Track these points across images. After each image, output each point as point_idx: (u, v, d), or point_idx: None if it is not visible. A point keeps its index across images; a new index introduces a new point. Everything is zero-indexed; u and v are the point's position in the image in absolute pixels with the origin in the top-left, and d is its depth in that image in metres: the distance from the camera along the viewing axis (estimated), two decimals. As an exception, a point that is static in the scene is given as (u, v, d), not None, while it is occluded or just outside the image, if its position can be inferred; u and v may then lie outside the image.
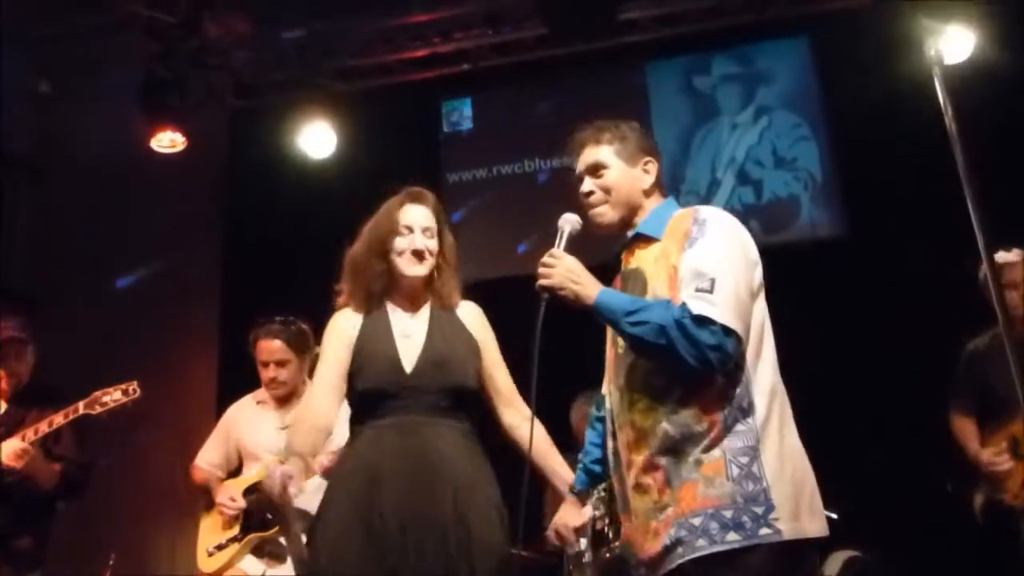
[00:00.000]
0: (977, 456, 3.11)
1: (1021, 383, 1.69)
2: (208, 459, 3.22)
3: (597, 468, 2.07)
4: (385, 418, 2.05)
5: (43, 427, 2.83)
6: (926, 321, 4.06)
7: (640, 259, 1.87)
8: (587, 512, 2.07)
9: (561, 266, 1.79)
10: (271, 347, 3.08)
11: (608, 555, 3.00)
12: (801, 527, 1.66)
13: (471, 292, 2.34)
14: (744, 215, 5.06)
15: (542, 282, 1.79)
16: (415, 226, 2.14)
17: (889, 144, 4.53)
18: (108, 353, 5.02)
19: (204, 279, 5.71)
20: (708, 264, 1.71)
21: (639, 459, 1.76)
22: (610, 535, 3.05)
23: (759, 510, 1.63)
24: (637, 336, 1.70)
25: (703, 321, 1.65)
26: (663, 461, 1.72)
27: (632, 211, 1.91)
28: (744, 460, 1.66)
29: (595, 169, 1.92)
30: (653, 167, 1.92)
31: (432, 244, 2.16)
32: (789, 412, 1.78)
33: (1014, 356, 1.72)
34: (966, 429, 3.21)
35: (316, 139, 5.16)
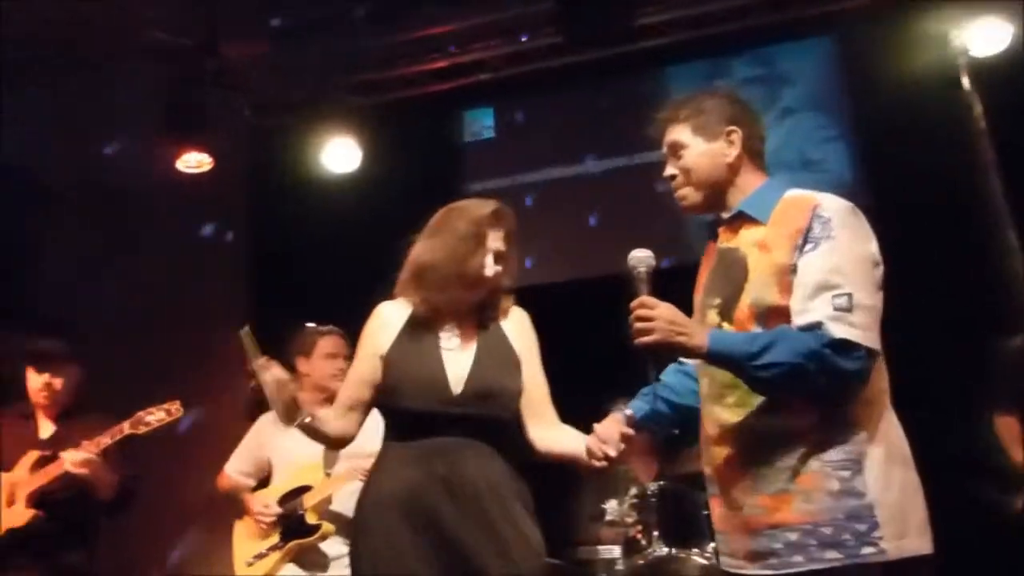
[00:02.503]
0: None
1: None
2: (238, 468, 3.22)
3: (662, 407, 1.89)
4: (426, 438, 1.98)
5: (102, 440, 2.84)
6: (961, 321, 3.97)
7: (741, 239, 1.73)
8: (629, 430, 1.82)
9: (660, 318, 1.59)
10: (339, 342, 3.17)
11: (641, 562, 2.97)
12: (907, 545, 1.56)
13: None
14: (770, 218, 5.01)
15: (643, 340, 1.59)
16: (494, 251, 2.06)
17: (920, 140, 4.44)
18: (141, 374, 5.06)
19: (230, 298, 5.74)
20: (841, 275, 1.56)
21: (724, 453, 1.69)
22: (643, 542, 3.01)
23: (862, 528, 1.53)
24: (767, 380, 1.55)
25: (846, 347, 1.52)
26: (750, 459, 1.64)
27: (718, 189, 1.77)
28: (845, 474, 1.56)
29: (675, 150, 1.81)
30: (738, 136, 1.76)
31: (499, 269, 2.08)
32: (895, 420, 1.67)
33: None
34: (1012, 431, 3.11)
35: (338, 154, 5.18)
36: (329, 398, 3.15)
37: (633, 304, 1.63)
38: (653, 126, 1.86)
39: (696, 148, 1.78)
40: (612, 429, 1.84)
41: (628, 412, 1.86)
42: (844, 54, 5.10)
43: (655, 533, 2.95)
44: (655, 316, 1.59)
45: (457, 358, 2.04)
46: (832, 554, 1.54)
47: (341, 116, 5.21)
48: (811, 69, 5.19)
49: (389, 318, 2.11)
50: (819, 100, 5.14)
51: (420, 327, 2.08)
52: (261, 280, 5.73)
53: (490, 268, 2.06)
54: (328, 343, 3.17)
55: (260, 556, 3.02)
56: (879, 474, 1.57)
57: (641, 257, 1.70)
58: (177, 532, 5.26)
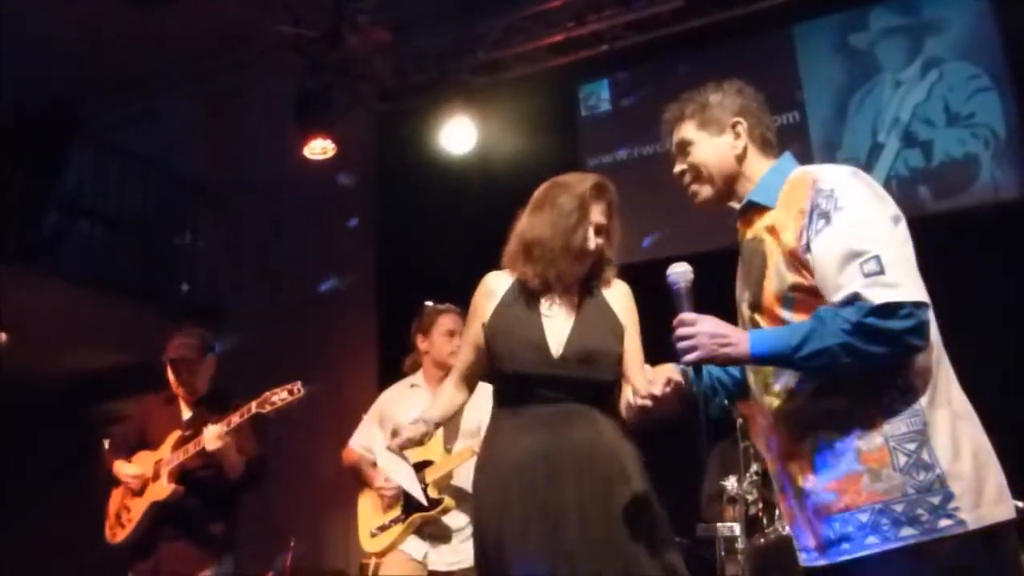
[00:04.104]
0: None
1: None
2: (361, 442, 3.32)
3: (719, 374, 1.86)
4: (532, 404, 2.06)
5: (232, 419, 3.05)
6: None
7: (756, 229, 1.72)
8: (680, 381, 1.78)
9: (702, 333, 1.60)
10: (458, 320, 3.21)
11: (762, 541, 2.88)
12: (987, 513, 1.49)
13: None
14: (911, 181, 4.66)
15: (688, 358, 1.61)
16: (595, 224, 2.13)
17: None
18: (279, 355, 5.39)
19: (361, 280, 5.99)
20: (862, 240, 1.52)
21: (781, 444, 1.65)
22: (764, 520, 2.93)
23: (935, 500, 1.47)
24: (820, 368, 1.54)
25: (890, 309, 1.47)
26: (805, 447, 1.59)
27: (728, 182, 1.77)
28: (911, 447, 1.50)
29: (682, 147, 1.82)
30: (743, 127, 1.76)
31: (601, 242, 2.15)
32: (955, 383, 1.60)
33: None
34: None
35: (458, 135, 5.25)
36: (448, 375, 3.21)
37: (675, 323, 1.64)
38: (662, 128, 1.87)
39: (703, 144, 1.79)
40: (661, 373, 1.83)
41: (683, 367, 1.82)
42: (998, -4, 4.64)
43: (777, 512, 2.86)
44: (696, 332, 1.61)
45: (557, 323, 2.11)
46: (908, 531, 1.48)
47: (461, 97, 5.28)
48: (960, 14, 4.76)
49: (493, 287, 2.20)
50: (969, 49, 4.71)
51: (522, 296, 2.15)
52: (388, 261, 5.93)
53: (592, 241, 2.12)
54: (446, 321, 3.23)
55: (383, 528, 3.13)
56: (946, 443, 1.51)
57: (677, 272, 1.70)
58: (312, 504, 5.56)
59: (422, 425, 2.17)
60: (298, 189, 5.85)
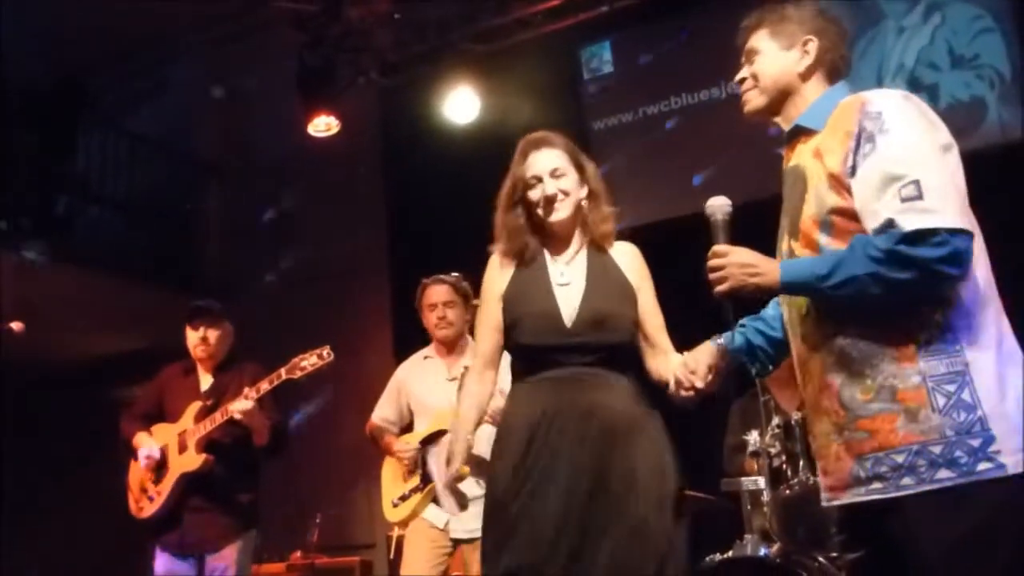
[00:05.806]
0: None
1: None
2: (382, 416, 3.37)
3: (757, 340, 1.84)
4: (545, 371, 2.09)
5: (262, 386, 3.05)
6: None
7: (799, 154, 1.69)
8: (719, 362, 1.81)
9: (732, 264, 1.60)
10: (439, 290, 3.26)
11: (787, 492, 2.92)
12: None
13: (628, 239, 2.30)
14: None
15: (719, 288, 1.60)
16: (543, 173, 2.12)
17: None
18: (293, 331, 5.43)
19: (372, 254, 6.01)
20: (903, 164, 1.46)
21: (814, 377, 1.63)
22: (788, 472, 2.96)
23: (975, 443, 1.43)
24: (848, 296, 1.49)
25: (923, 236, 1.42)
26: (837, 380, 1.55)
27: (782, 97, 1.73)
28: (951, 388, 1.45)
29: (750, 55, 1.78)
30: (814, 46, 1.70)
31: (566, 183, 2.13)
32: (1005, 322, 1.54)
33: None
34: None
35: (460, 105, 5.23)
36: (443, 346, 3.25)
37: (708, 255, 1.64)
38: (739, 35, 1.82)
39: (770, 53, 1.74)
40: (701, 359, 1.84)
41: (720, 342, 1.83)
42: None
43: (801, 463, 2.90)
44: (726, 263, 1.61)
45: (568, 290, 2.13)
46: (944, 473, 1.44)
47: (462, 66, 5.24)
48: (962, -45, 4.70)
49: (504, 262, 2.22)
50: (972, -11, 4.66)
51: (530, 265, 2.17)
52: (397, 233, 5.94)
53: (549, 187, 2.11)
54: (429, 294, 3.26)
55: (403, 498, 3.18)
56: (990, 384, 1.46)
57: (718, 205, 1.71)
58: (336, 481, 5.63)
59: (463, 443, 2.18)
60: (306, 165, 5.85)
